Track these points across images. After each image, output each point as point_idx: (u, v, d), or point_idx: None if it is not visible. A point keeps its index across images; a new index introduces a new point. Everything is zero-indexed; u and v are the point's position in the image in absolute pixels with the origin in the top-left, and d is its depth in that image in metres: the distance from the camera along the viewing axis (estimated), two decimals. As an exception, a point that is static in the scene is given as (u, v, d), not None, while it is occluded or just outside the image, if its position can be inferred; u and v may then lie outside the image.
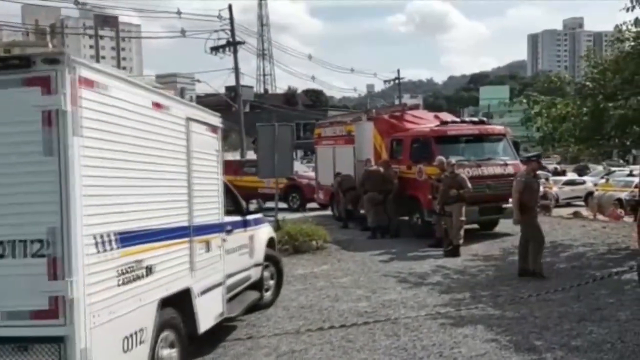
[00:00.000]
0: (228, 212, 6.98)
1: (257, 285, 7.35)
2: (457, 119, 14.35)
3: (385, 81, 55.75)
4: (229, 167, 23.40)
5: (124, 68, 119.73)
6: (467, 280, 9.17)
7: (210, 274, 5.34)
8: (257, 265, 7.29)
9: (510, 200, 13.33)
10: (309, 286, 8.98)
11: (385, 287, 8.78)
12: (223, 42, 33.40)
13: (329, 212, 17.95)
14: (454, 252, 11.24)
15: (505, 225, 14.39)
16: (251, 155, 25.14)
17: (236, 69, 34.10)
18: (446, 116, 15.23)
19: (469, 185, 11.38)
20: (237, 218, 6.83)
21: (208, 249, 5.33)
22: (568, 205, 23.98)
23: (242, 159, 25.42)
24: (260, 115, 70.96)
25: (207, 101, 57.16)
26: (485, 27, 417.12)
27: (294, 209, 20.30)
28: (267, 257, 7.70)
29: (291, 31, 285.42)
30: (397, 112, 15.51)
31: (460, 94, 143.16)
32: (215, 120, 5.69)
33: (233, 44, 33.71)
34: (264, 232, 7.68)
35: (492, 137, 14.15)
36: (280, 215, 13.40)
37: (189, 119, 4.94)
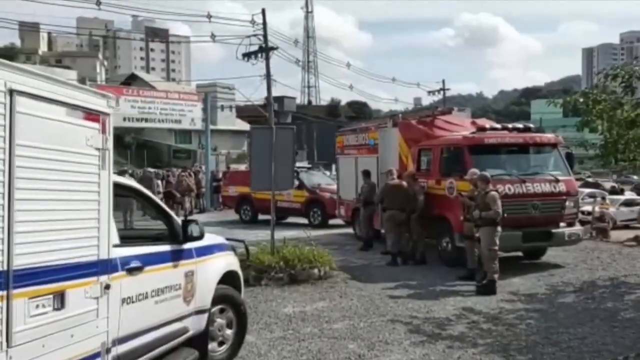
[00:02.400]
0: (156, 239, 5.07)
1: (201, 340, 5.31)
2: (498, 126, 12.04)
3: (429, 92, 53.08)
4: (246, 178, 21.66)
5: (174, 79, 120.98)
6: (501, 332, 6.88)
7: (63, 344, 3.34)
8: (200, 312, 5.25)
9: (562, 224, 11.07)
10: (290, 334, 6.88)
11: (388, 340, 6.59)
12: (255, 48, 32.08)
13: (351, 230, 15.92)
14: (488, 289, 8.96)
15: (554, 254, 12.02)
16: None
17: (268, 76, 32.38)
18: (484, 122, 12.91)
19: (498, 207, 9.07)
20: (160, 248, 4.81)
21: (61, 305, 3.33)
22: (626, 227, 21.27)
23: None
24: (301, 127, 69.81)
25: (247, 110, 55.95)
26: (538, 41, 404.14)
27: (315, 226, 18.30)
28: (223, 298, 5.67)
29: (339, 44, 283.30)
30: (427, 117, 13.30)
31: (511, 108, 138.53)
32: (93, 101, 3.65)
33: (265, 50, 32.13)
34: (215, 264, 5.63)
35: (541, 147, 11.81)
36: (282, 234, 11.37)
37: (14, 92, 2.97)
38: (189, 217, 5.46)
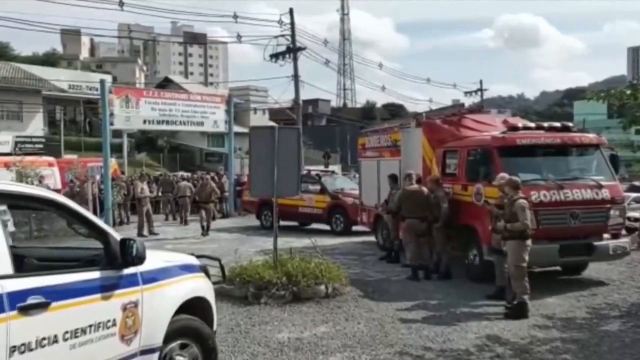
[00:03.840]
0: (89, 263, 4.12)
1: (150, 384, 4.32)
2: (532, 125, 10.76)
3: (466, 93, 51.39)
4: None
5: (212, 84, 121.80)
6: (530, 372, 5.71)
7: None
8: (147, 351, 4.26)
9: (606, 236, 9.74)
10: (276, 368, 5.84)
11: (391, 379, 5.50)
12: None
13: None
14: (517, 312, 7.75)
15: (597, 268, 10.69)
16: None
17: (295, 77, 31.58)
18: (517, 121, 11.61)
19: (525, 217, 7.83)
20: (83, 275, 3.83)
21: None
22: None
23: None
24: (335, 129, 68.91)
25: (281, 112, 55.43)
26: (581, 41, 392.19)
27: (338, 233, 17.27)
28: (184, 331, 4.68)
29: (376, 47, 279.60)
30: (453, 116, 12.09)
31: (553, 110, 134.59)
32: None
33: (293, 50, 31.30)
34: (172, 290, 4.63)
35: (581, 148, 10.48)
36: (301, 242, 10.35)
37: None
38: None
